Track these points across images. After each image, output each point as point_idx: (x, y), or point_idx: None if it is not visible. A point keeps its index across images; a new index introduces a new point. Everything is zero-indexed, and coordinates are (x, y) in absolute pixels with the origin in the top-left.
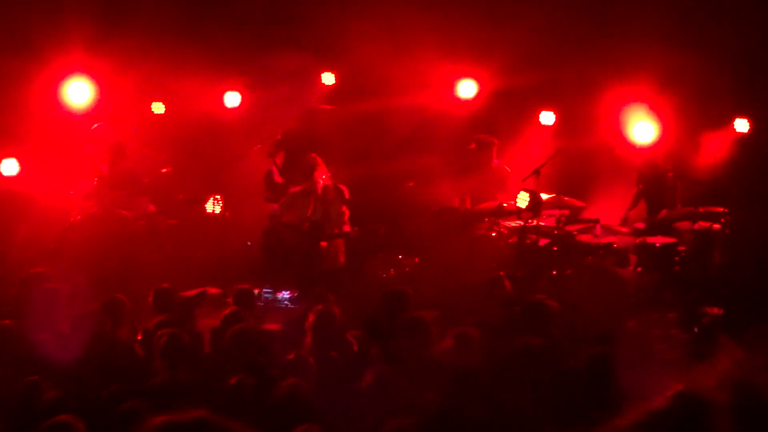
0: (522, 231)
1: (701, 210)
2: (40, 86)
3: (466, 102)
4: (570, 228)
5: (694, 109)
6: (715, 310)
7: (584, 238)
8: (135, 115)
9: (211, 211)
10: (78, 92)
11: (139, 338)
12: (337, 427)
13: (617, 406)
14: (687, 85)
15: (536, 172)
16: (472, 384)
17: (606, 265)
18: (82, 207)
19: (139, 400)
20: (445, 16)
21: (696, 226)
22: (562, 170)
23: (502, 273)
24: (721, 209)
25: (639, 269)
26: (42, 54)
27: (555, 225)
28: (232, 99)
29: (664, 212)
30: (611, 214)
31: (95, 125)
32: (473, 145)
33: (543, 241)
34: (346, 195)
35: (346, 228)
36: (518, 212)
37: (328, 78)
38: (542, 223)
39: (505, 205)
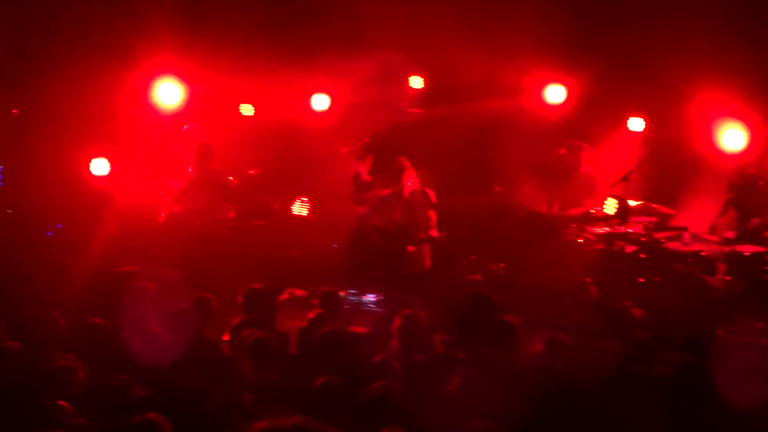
0: (609, 237)
1: None
2: (131, 87)
3: (555, 107)
4: (658, 235)
5: None
6: None
7: (672, 245)
8: (224, 117)
9: (297, 213)
10: (168, 93)
11: (225, 338)
12: (422, 430)
13: (706, 415)
14: None
15: (625, 178)
16: (561, 390)
17: (694, 273)
18: (168, 207)
19: (226, 399)
20: (534, 19)
21: None
22: (650, 177)
23: (588, 279)
24: None
25: (727, 278)
26: (132, 55)
27: (643, 232)
28: (320, 102)
29: (755, 221)
30: (700, 222)
31: (185, 126)
32: (563, 150)
33: (630, 248)
34: (433, 199)
35: (433, 233)
36: (606, 218)
37: (416, 81)
38: (630, 230)
39: (592, 211)
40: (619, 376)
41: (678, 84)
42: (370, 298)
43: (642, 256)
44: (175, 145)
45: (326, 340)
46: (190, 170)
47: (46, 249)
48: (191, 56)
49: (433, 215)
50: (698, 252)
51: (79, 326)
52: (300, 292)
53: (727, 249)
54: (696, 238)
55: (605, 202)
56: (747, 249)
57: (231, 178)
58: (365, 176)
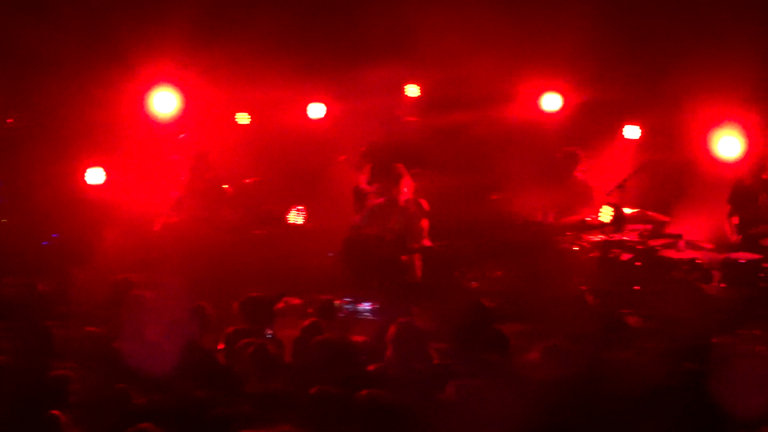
0: (605, 245)
1: None
2: (127, 96)
3: (551, 115)
4: (653, 243)
5: None
6: None
7: (667, 253)
8: (220, 126)
9: (293, 222)
10: (164, 102)
11: (220, 347)
12: None
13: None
14: None
15: (620, 186)
16: (560, 399)
17: (690, 280)
18: (164, 216)
19: (225, 409)
20: (530, 28)
21: None
22: (646, 185)
23: (584, 287)
24: None
25: (723, 285)
26: (129, 64)
27: (638, 240)
28: (317, 110)
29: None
30: (695, 230)
31: (181, 135)
32: (559, 155)
33: (626, 256)
34: (427, 209)
35: (426, 242)
36: (601, 226)
37: (412, 90)
38: (625, 238)
39: (588, 219)
40: (620, 384)
41: (674, 91)
42: (366, 306)
43: (638, 263)
44: (171, 154)
45: (321, 348)
46: (185, 179)
47: (42, 258)
48: (188, 65)
49: (426, 225)
50: (694, 259)
51: (77, 335)
52: (296, 301)
53: (722, 256)
54: (691, 245)
55: (600, 210)
56: (742, 256)
57: (227, 186)
58: (365, 186)
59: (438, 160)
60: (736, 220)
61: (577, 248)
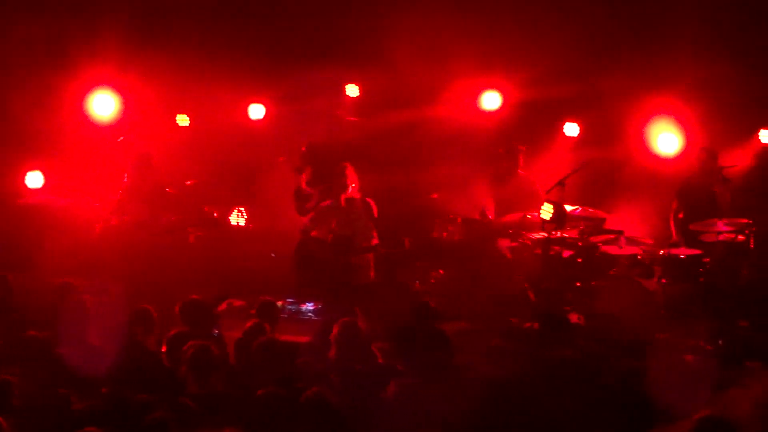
0: (546, 243)
1: (726, 221)
2: (67, 99)
3: (491, 113)
4: (594, 239)
5: (719, 120)
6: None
7: (609, 249)
8: (160, 128)
9: (235, 224)
10: (103, 105)
11: (163, 350)
12: None
13: (650, 421)
14: (713, 96)
15: (561, 183)
16: (502, 397)
17: (631, 276)
18: (105, 219)
19: (167, 412)
20: (468, 28)
21: (721, 238)
22: (586, 181)
23: (526, 285)
24: (746, 221)
25: (663, 281)
26: (69, 67)
27: (579, 237)
28: (257, 111)
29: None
30: (636, 226)
31: (121, 137)
32: (501, 150)
33: (567, 253)
34: (374, 208)
35: (375, 242)
36: (542, 224)
37: (352, 90)
38: (566, 235)
39: (529, 216)
40: (561, 382)
41: (612, 88)
42: (309, 307)
43: (579, 260)
44: (111, 157)
45: (263, 350)
46: (126, 181)
47: None
48: (127, 68)
49: (373, 225)
50: (635, 255)
51: (17, 340)
52: (238, 302)
53: (662, 252)
54: (632, 241)
55: (541, 207)
56: (682, 252)
57: (168, 189)
58: (305, 187)
59: (378, 159)
60: (681, 215)
61: (518, 246)
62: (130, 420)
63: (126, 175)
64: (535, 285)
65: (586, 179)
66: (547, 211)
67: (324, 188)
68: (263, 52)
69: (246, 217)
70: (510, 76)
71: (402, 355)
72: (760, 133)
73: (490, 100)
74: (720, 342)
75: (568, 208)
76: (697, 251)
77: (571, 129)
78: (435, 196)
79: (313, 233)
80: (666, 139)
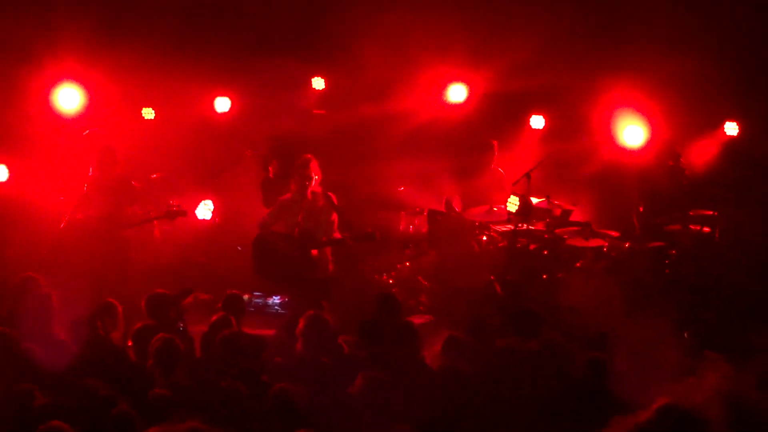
0: (512, 235)
1: (691, 213)
2: (32, 93)
3: (457, 106)
4: (560, 231)
5: (684, 113)
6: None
7: (574, 241)
8: (125, 121)
9: (201, 217)
10: (68, 98)
11: (130, 344)
12: (328, 431)
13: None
14: (678, 89)
15: (527, 175)
16: (464, 389)
17: (596, 268)
18: (70, 213)
19: (131, 406)
20: (435, 20)
21: (686, 230)
22: (552, 174)
23: (493, 277)
24: (711, 213)
25: (628, 273)
26: (34, 61)
27: (545, 229)
28: (222, 104)
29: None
30: (601, 218)
31: (86, 131)
32: (473, 144)
33: (533, 245)
34: (335, 201)
35: (337, 235)
36: (508, 216)
37: (318, 83)
38: (532, 227)
39: (495, 209)
40: (524, 374)
41: (578, 81)
42: (276, 300)
43: (545, 252)
44: (76, 151)
45: (228, 343)
46: (91, 175)
47: None
48: (92, 61)
49: (335, 218)
50: (600, 247)
51: None
52: (205, 296)
53: (627, 244)
54: (597, 234)
55: (508, 199)
56: (648, 244)
57: (134, 182)
58: (272, 179)
59: (345, 152)
60: (641, 208)
61: (485, 238)
62: (94, 414)
63: (91, 168)
64: (501, 277)
65: (552, 171)
66: (513, 204)
67: (289, 181)
68: (229, 45)
69: (213, 210)
70: (476, 68)
71: (368, 348)
72: (725, 126)
73: (456, 93)
74: (685, 334)
75: (534, 200)
76: (661, 243)
77: (537, 121)
78: (402, 188)
79: (273, 227)
80: (631, 131)
